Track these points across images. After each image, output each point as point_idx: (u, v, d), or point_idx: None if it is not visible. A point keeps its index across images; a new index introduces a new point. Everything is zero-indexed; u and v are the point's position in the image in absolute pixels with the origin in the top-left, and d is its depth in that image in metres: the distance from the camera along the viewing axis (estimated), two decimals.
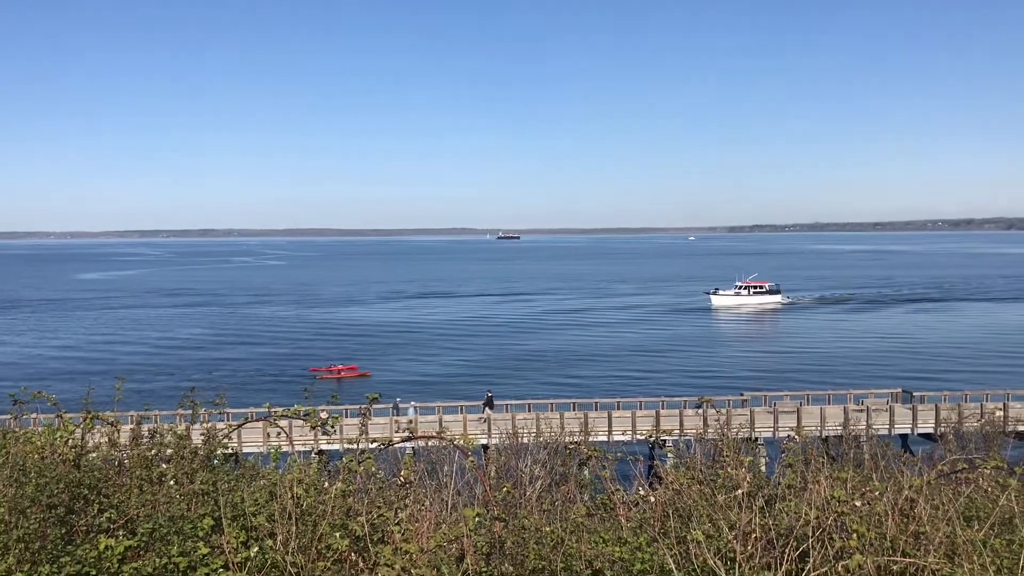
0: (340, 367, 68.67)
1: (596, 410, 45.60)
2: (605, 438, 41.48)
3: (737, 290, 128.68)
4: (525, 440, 24.39)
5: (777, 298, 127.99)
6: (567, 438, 26.49)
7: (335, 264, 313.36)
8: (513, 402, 47.17)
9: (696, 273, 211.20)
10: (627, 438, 40.86)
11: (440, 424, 38.84)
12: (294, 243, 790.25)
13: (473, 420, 43.35)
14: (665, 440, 30.40)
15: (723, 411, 37.67)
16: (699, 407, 8.78)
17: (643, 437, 39.82)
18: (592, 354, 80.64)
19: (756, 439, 41.13)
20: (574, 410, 45.59)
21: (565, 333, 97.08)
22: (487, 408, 44.91)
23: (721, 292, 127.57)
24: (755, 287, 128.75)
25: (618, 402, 47.37)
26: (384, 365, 73.81)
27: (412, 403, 46.67)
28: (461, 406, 45.59)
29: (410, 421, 41.22)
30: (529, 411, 45.33)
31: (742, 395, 47.91)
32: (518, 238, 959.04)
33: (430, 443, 21.73)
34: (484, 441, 40.34)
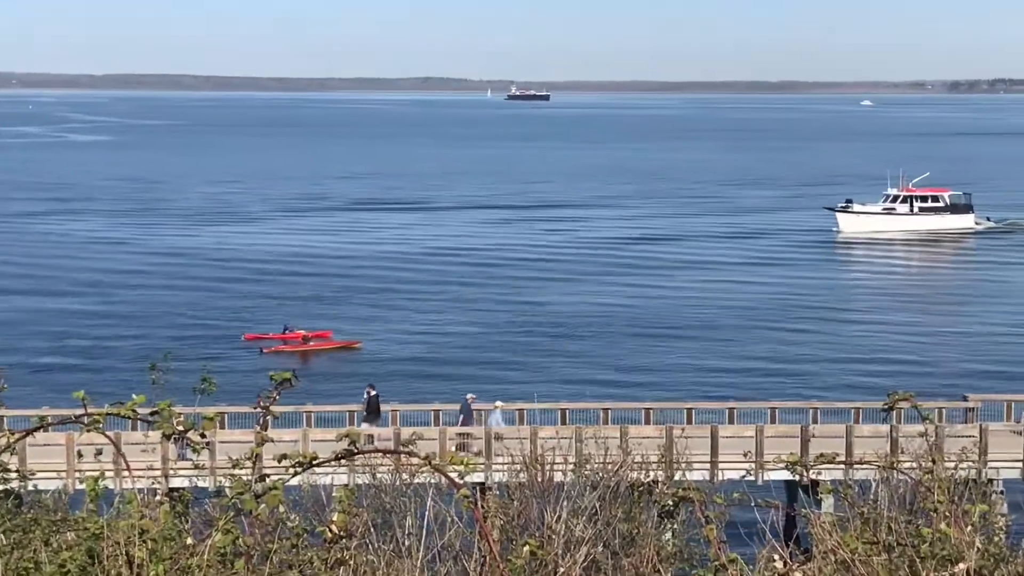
0: (304, 332, 72.46)
1: (689, 423, 46.05)
2: (706, 471, 42.21)
3: (888, 203, 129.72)
4: (558, 473, 24.59)
5: (967, 220, 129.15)
6: (634, 471, 26.72)
7: (202, 141, 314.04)
8: (533, 406, 47.54)
9: (865, 169, 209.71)
10: (746, 472, 41.60)
11: (397, 442, 39.30)
12: (124, 101, 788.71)
13: (471, 432, 44.16)
14: (820, 475, 30.77)
15: (931, 424, 37.90)
16: (889, 411, 8.73)
17: (778, 469, 40.23)
18: (677, 322, 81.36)
19: (991, 480, 41.39)
20: (647, 422, 46.02)
21: (627, 282, 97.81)
22: (366, 420, 45.92)
23: (856, 208, 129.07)
24: (923, 199, 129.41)
25: (730, 408, 47.71)
26: (345, 331, 76.57)
27: (497, 403, 47.59)
28: (519, 409, 46.91)
29: (498, 435, 43.64)
30: (564, 422, 45.68)
31: (965, 399, 48.22)
32: (546, 98, 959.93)
33: (384, 466, 22.07)
34: (480, 477, 40.77)
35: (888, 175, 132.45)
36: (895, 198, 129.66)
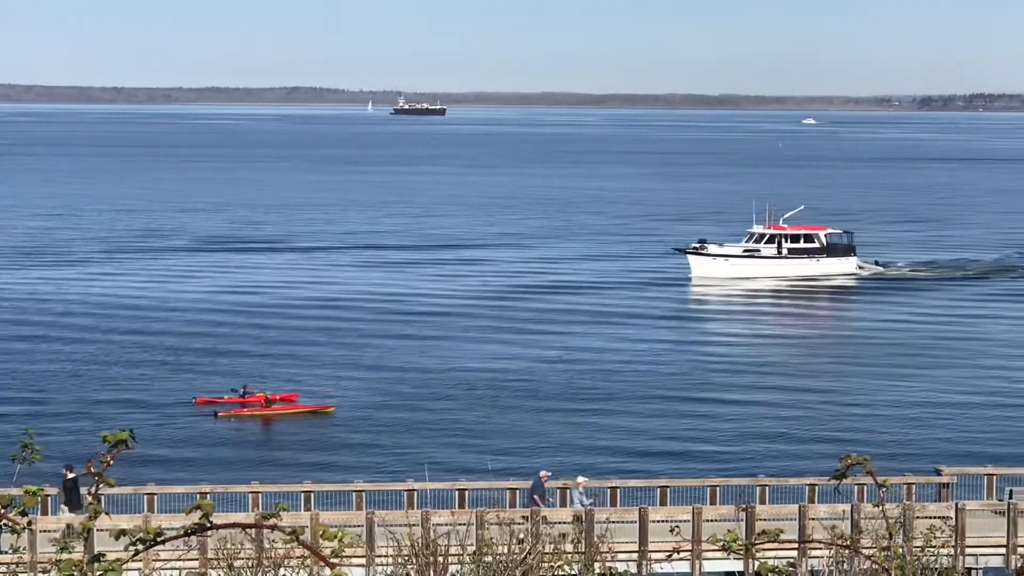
0: (265, 395, 75.33)
1: (614, 504, 46.72)
2: (632, 558, 42.67)
3: (751, 243, 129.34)
4: (453, 564, 24.63)
5: (848, 264, 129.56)
6: (545, 561, 26.84)
7: (19, 164, 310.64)
8: (425, 486, 47.60)
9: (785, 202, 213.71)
10: (682, 558, 41.93)
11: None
12: None
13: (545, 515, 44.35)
14: (769, 560, 31.24)
15: (886, 490, 38.50)
16: (841, 478, 8.72)
17: (716, 554, 40.49)
18: (591, 386, 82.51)
19: (969, 570, 41.96)
20: (562, 504, 46.67)
21: (528, 339, 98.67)
22: (66, 505, 45.31)
23: (712, 249, 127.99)
24: (793, 238, 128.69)
25: (662, 486, 48.26)
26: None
27: (580, 479, 47.79)
28: (410, 490, 47.15)
29: (580, 517, 43.93)
30: (462, 504, 46.05)
31: (939, 471, 49.09)
32: (442, 112, 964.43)
33: (242, 559, 22.01)
34: (360, 572, 40.74)
35: (753, 208, 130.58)
36: (760, 237, 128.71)
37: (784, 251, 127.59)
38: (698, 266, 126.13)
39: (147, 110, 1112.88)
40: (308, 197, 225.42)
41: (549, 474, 47.71)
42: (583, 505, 45.44)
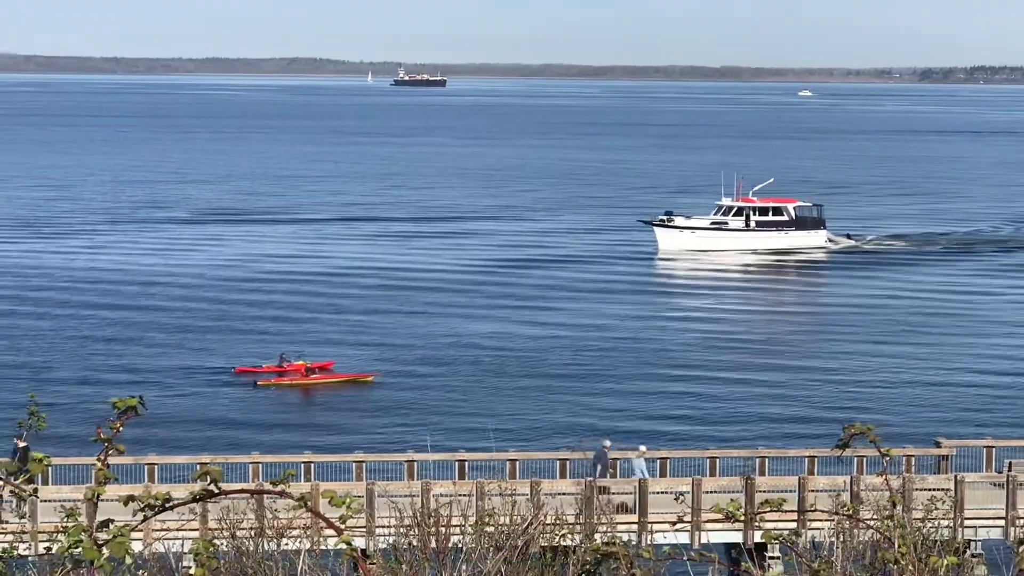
0: (305, 363, 76.03)
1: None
2: (632, 528, 42.91)
3: (719, 215, 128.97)
4: (456, 534, 24.70)
5: (817, 237, 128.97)
6: (546, 531, 26.90)
7: (17, 135, 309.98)
8: (427, 457, 47.69)
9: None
10: (682, 529, 42.05)
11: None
12: None
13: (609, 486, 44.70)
14: (771, 529, 31.26)
15: (888, 458, 38.52)
16: (844, 447, 8.62)
17: (717, 524, 40.65)
18: (590, 359, 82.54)
19: (968, 542, 42.09)
20: (562, 475, 46.71)
21: (528, 313, 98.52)
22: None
23: (679, 221, 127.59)
24: (761, 211, 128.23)
25: (662, 458, 48.37)
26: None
27: (642, 448, 48.08)
28: (410, 461, 47.09)
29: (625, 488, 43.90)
30: (463, 475, 46.09)
31: (938, 444, 49.19)
32: (442, 83, 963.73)
33: (244, 528, 22.02)
34: (360, 541, 40.83)
35: (722, 180, 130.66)
36: (728, 210, 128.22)
37: (752, 224, 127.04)
38: (665, 239, 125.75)
39: (147, 80, 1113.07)
40: (309, 168, 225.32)
41: (610, 444, 47.81)
42: (644, 475, 45.70)
